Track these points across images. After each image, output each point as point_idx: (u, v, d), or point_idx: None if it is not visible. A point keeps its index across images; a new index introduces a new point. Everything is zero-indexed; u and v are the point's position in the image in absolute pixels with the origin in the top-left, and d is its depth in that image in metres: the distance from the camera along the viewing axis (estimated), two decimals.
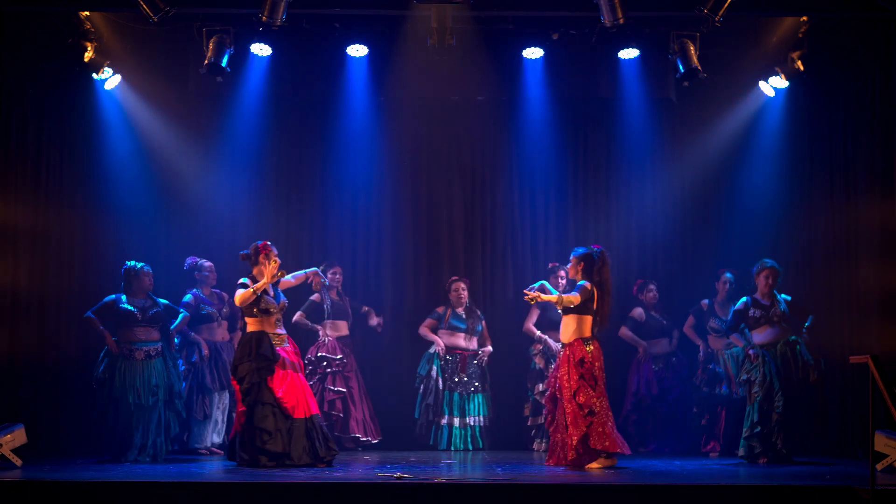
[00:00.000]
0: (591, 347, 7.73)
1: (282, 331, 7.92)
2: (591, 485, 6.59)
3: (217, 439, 9.10)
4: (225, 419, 9.14)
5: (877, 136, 8.57)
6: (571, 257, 7.96)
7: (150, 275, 8.51)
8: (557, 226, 10.26)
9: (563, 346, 7.84)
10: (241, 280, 7.85)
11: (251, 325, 7.84)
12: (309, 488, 6.44)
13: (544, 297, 7.85)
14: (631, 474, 7.25)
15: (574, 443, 7.57)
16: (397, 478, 6.71)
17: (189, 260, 9.20)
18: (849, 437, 8.84)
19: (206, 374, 9.00)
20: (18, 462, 7.71)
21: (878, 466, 7.32)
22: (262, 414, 7.61)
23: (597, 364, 7.70)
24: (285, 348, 7.87)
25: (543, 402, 8.23)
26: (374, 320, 9.68)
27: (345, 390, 9.35)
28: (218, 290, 9.21)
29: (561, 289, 9.55)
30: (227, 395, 9.11)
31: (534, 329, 9.53)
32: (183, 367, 8.87)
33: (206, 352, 8.97)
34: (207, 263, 9.20)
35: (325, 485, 6.52)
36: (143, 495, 6.40)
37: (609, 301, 7.87)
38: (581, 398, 7.59)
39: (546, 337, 9.43)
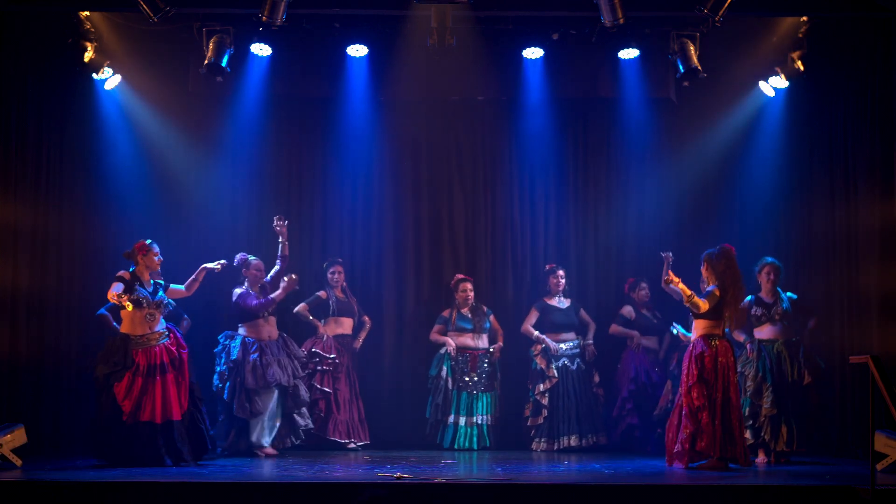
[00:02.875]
0: (716, 343, 7.69)
1: (155, 329, 7.83)
2: (591, 485, 6.60)
3: (268, 440, 8.74)
4: (275, 419, 8.83)
5: (877, 136, 8.57)
6: (702, 257, 8.02)
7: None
8: (557, 225, 10.25)
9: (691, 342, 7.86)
10: (119, 273, 7.83)
11: (123, 318, 7.84)
12: (310, 488, 6.45)
13: (681, 284, 7.71)
14: (631, 474, 7.25)
15: (684, 437, 7.59)
16: (397, 478, 6.72)
17: (239, 256, 8.92)
18: (849, 437, 8.84)
19: (247, 374, 8.62)
20: (18, 462, 7.71)
21: (878, 466, 7.32)
22: (106, 414, 7.71)
23: (720, 360, 7.64)
24: (152, 347, 7.77)
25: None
26: (362, 335, 9.63)
27: (330, 391, 9.30)
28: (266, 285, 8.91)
29: (561, 289, 9.57)
30: (274, 393, 8.76)
31: (531, 330, 9.52)
32: (224, 367, 8.72)
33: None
34: (256, 261, 8.96)
35: (325, 485, 6.53)
36: (144, 495, 6.41)
37: (739, 297, 7.86)
38: (694, 393, 7.59)
39: (545, 337, 9.43)
